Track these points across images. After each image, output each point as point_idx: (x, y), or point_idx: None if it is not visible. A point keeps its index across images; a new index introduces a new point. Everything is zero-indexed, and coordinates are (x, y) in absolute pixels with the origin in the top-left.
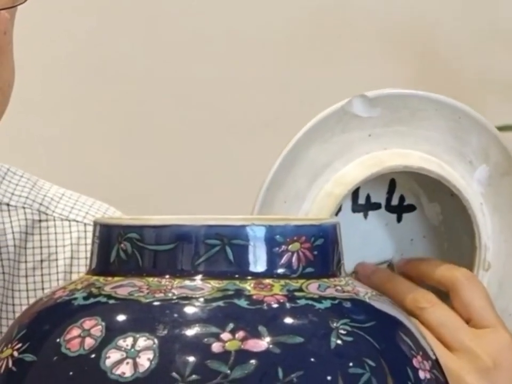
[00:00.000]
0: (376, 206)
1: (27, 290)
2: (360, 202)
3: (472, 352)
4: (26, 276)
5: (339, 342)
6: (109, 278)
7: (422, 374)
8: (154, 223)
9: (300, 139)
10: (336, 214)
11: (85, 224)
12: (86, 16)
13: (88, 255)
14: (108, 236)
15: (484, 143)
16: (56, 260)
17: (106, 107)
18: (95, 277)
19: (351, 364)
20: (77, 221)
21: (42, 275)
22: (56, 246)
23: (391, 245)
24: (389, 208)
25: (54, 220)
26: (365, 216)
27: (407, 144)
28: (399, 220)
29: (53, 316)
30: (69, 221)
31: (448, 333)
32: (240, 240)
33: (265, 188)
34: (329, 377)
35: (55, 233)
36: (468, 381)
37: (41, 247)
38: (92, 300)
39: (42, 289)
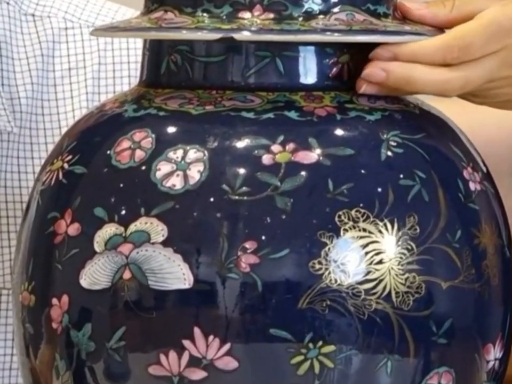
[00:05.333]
0: None
1: (56, 99)
2: None
3: None
4: (55, 85)
5: (389, 153)
6: (159, 90)
7: (472, 186)
8: None
9: None
10: None
11: None
12: None
13: (116, 60)
14: (158, 48)
15: None
16: (84, 67)
17: None
18: (145, 89)
19: (401, 176)
20: None
21: (70, 83)
22: (83, 53)
23: None
24: None
25: (80, 27)
26: None
27: None
28: None
29: (103, 128)
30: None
31: None
32: (291, 52)
33: None
34: (379, 189)
35: (82, 40)
36: None
37: (68, 55)
38: (142, 112)
39: (71, 97)
